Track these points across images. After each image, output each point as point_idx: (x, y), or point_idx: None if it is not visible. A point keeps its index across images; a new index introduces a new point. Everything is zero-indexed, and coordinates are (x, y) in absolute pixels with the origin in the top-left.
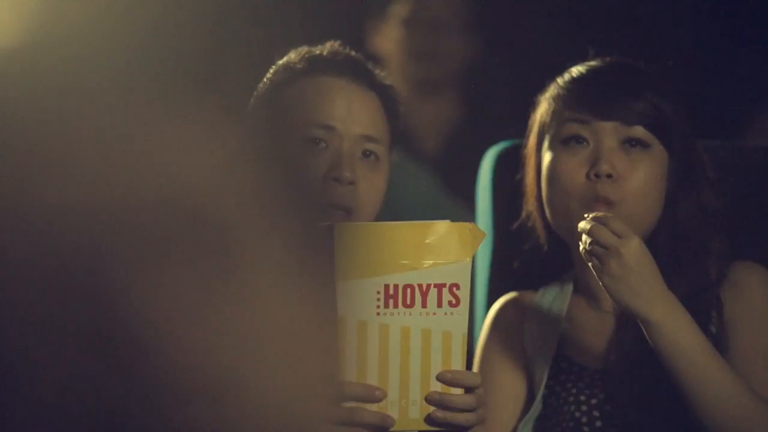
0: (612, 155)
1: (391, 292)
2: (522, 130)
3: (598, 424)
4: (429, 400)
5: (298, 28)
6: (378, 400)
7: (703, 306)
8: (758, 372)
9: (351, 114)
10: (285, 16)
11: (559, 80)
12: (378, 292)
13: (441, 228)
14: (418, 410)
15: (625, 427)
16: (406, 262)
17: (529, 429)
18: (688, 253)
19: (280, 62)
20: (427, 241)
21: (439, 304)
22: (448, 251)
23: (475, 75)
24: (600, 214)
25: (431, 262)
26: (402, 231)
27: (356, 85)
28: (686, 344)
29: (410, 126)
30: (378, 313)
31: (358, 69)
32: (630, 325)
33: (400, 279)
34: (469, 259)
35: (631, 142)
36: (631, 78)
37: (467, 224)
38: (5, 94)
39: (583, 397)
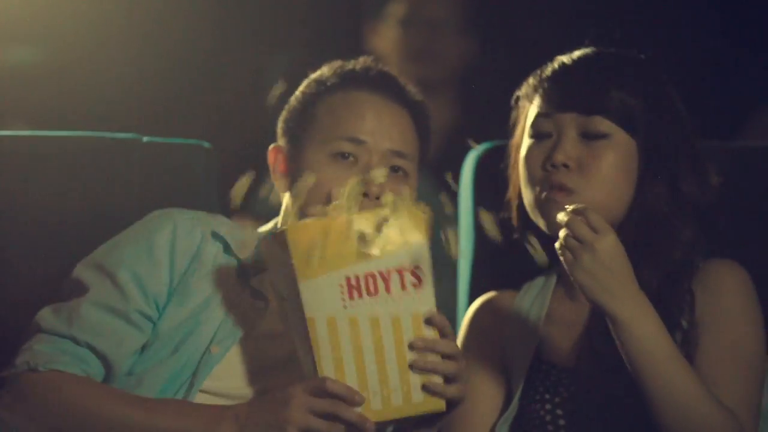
0: (569, 145)
1: (354, 283)
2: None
3: (561, 422)
4: (412, 345)
5: (295, 29)
6: (357, 404)
7: (675, 298)
8: (723, 376)
9: (381, 129)
10: (283, 18)
11: (531, 77)
12: (341, 285)
13: (392, 214)
14: (400, 396)
15: (587, 425)
16: (362, 251)
17: (506, 430)
18: (655, 240)
19: (313, 76)
20: (379, 227)
21: (403, 287)
22: (403, 234)
23: (471, 75)
24: (580, 206)
25: (387, 247)
26: (352, 222)
27: (388, 100)
28: (652, 346)
29: None
30: (344, 306)
31: (390, 85)
32: (601, 320)
33: (360, 269)
34: (424, 239)
35: (591, 132)
36: (593, 69)
37: (418, 206)
38: None
39: (547, 396)
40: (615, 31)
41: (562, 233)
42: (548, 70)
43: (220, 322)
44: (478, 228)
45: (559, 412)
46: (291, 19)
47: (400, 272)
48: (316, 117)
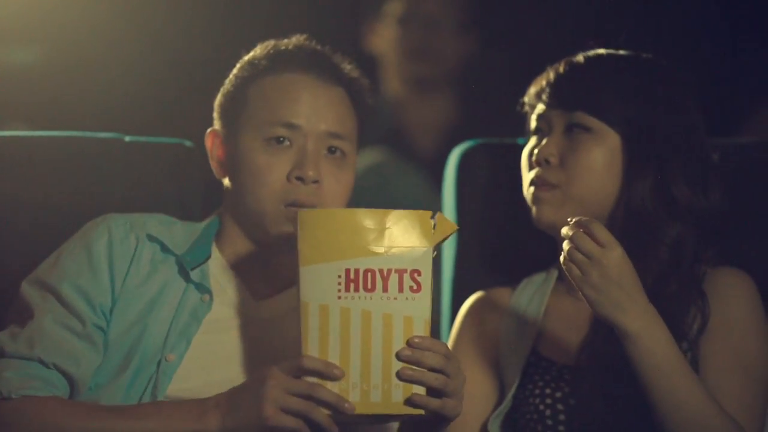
0: (551, 141)
1: (352, 276)
2: (515, 128)
3: (561, 417)
4: (399, 355)
5: (294, 28)
6: (336, 378)
7: (682, 305)
8: (727, 386)
9: (316, 111)
10: (281, 16)
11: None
12: (339, 276)
13: (402, 215)
14: (380, 394)
15: (588, 421)
16: (367, 247)
17: (498, 423)
18: (639, 238)
19: (246, 57)
20: (388, 226)
21: (400, 289)
22: (409, 238)
23: (469, 73)
24: (583, 219)
25: (392, 247)
26: (363, 217)
27: (321, 81)
28: (661, 359)
29: (405, 124)
30: (339, 297)
31: (324, 64)
32: (603, 322)
33: (360, 263)
34: (430, 246)
35: (575, 127)
36: (579, 68)
37: (429, 212)
38: None
39: (548, 391)
40: (614, 29)
41: (566, 246)
42: (545, 72)
43: (170, 324)
44: (461, 225)
45: (559, 407)
46: (284, 17)
47: (399, 273)
48: (249, 101)
